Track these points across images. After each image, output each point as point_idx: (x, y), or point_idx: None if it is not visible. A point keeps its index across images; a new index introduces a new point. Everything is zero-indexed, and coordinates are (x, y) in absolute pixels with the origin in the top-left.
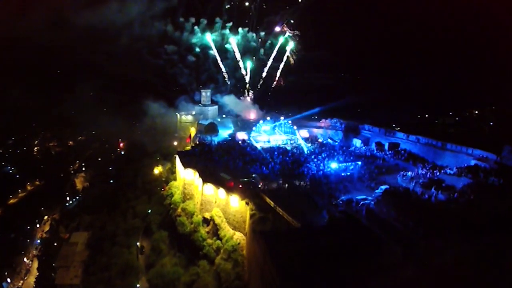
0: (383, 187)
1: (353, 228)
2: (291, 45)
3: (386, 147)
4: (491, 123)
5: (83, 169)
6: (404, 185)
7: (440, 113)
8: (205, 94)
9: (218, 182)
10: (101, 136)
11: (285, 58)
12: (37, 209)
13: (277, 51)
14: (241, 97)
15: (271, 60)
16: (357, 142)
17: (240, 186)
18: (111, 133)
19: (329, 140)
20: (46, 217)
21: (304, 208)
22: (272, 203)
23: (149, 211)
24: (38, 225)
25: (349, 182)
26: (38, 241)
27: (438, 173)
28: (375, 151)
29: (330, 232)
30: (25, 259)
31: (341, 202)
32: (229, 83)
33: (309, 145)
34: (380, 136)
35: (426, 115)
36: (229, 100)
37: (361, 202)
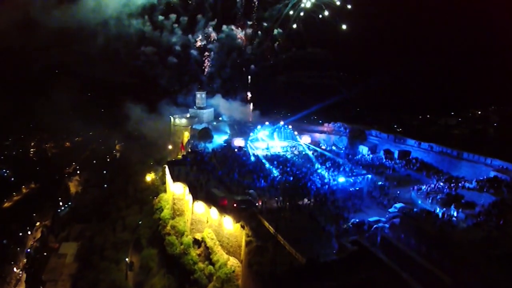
0: (397, 205)
1: (368, 265)
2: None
3: (396, 155)
4: (495, 124)
5: (78, 172)
6: (419, 202)
7: (441, 113)
8: (200, 96)
9: (210, 200)
10: (98, 137)
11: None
12: (30, 214)
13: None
14: (230, 99)
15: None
16: (363, 150)
17: (235, 205)
18: (109, 134)
19: (333, 147)
20: (38, 223)
21: (309, 235)
22: (271, 229)
23: (140, 222)
24: (29, 232)
25: (358, 198)
26: (29, 249)
27: (455, 187)
28: (384, 160)
29: (341, 271)
30: (14, 269)
31: (351, 225)
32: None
33: (311, 152)
34: (389, 143)
35: (428, 116)
36: (217, 102)
37: (374, 226)
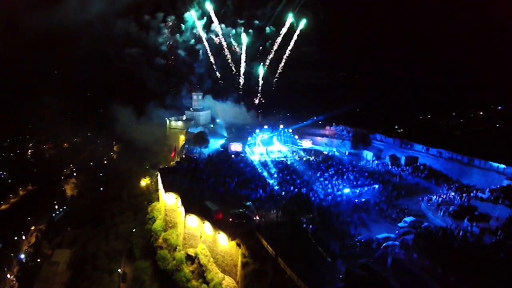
0: (407, 219)
1: None
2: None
3: (403, 161)
4: (497, 125)
5: (75, 174)
6: (430, 214)
7: (442, 113)
8: (197, 97)
9: (203, 214)
10: (96, 138)
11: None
12: (25, 217)
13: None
14: (221, 100)
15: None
16: (368, 155)
17: (230, 219)
18: (106, 135)
19: (336, 153)
20: (33, 227)
21: (312, 256)
22: (271, 250)
23: (134, 230)
24: (24, 237)
25: (364, 211)
26: (22, 256)
27: (467, 197)
28: (390, 167)
29: None
30: (8, 276)
31: (358, 244)
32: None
33: (312, 158)
34: (395, 148)
35: (429, 116)
36: (209, 104)
37: (384, 244)
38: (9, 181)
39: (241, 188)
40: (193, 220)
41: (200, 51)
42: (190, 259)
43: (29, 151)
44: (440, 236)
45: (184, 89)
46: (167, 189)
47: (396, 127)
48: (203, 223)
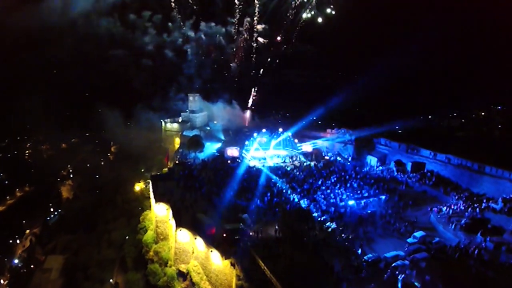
0: (417, 234)
1: None
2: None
3: (409, 167)
4: (500, 126)
5: (71, 176)
6: (441, 228)
7: (443, 114)
8: (193, 98)
9: (196, 228)
10: (94, 139)
11: None
12: (21, 220)
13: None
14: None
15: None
16: (372, 160)
17: (224, 235)
18: (104, 136)
19: (338, 158)
20: (27, 231)
21: (314, 278)
22: (268, 271)
23: (127, 237)
24: (18, 241)
25: (370, 223)
26: (16, 260)
27: (478, 207)
28: (395, 173)
29: None
30: (1, 281)
31: (364, 264)
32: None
33: (313, 163)
34: (401, 153)
35: (429, 116)
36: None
37: (393, 264)
38: (6, 182)
39: (237, 197)
40: (184, 235)
41: (188, 50)
42: (182, 275)
43: (27, 151)
44: (455, 256)
45: (172, 90)
46: (158, 199)
47: (397, 127)
48: (195, 238)
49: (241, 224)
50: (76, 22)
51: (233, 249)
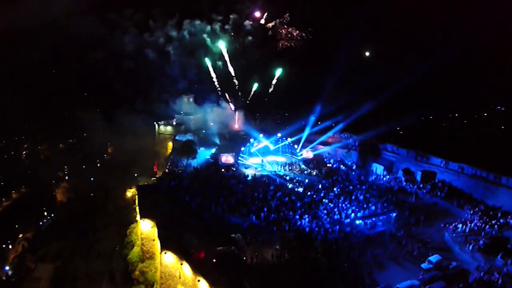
0: (432, 258)
1: None
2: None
3: (418, 177)
4: (502, 127)
5: (67, 177)
6: (457, 249)
7: (444, 114)
8: (187, 100)
9: (182, 251)
10: (92, 139)
11: None
12: (14, 223)
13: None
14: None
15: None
16: (378, 169)
17: (214, 260)
18: (103, 136)
19: (341, 165)
20: (21, 235)
21: None
22: None
23: (117, 247)
24: (11, 246)
25: (379, 245)
26: (7, 267)
27: (496, 223)
28: (404, 183)
29: None
30: None
31: None
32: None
33: (314, 172)
34: (409, 161)
35: (430, 117)
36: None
37: None
38: (2, 183)
39: (231, 213)
40: (170, 258)
41: (171, 51)
42: None
43: (24, 152)
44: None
45: (154, 92)
46: (143, 214)
47: (398, 128)
48: (181, 264)
49: (233, 247)
50: (52, 21)
51: (225, 278)
